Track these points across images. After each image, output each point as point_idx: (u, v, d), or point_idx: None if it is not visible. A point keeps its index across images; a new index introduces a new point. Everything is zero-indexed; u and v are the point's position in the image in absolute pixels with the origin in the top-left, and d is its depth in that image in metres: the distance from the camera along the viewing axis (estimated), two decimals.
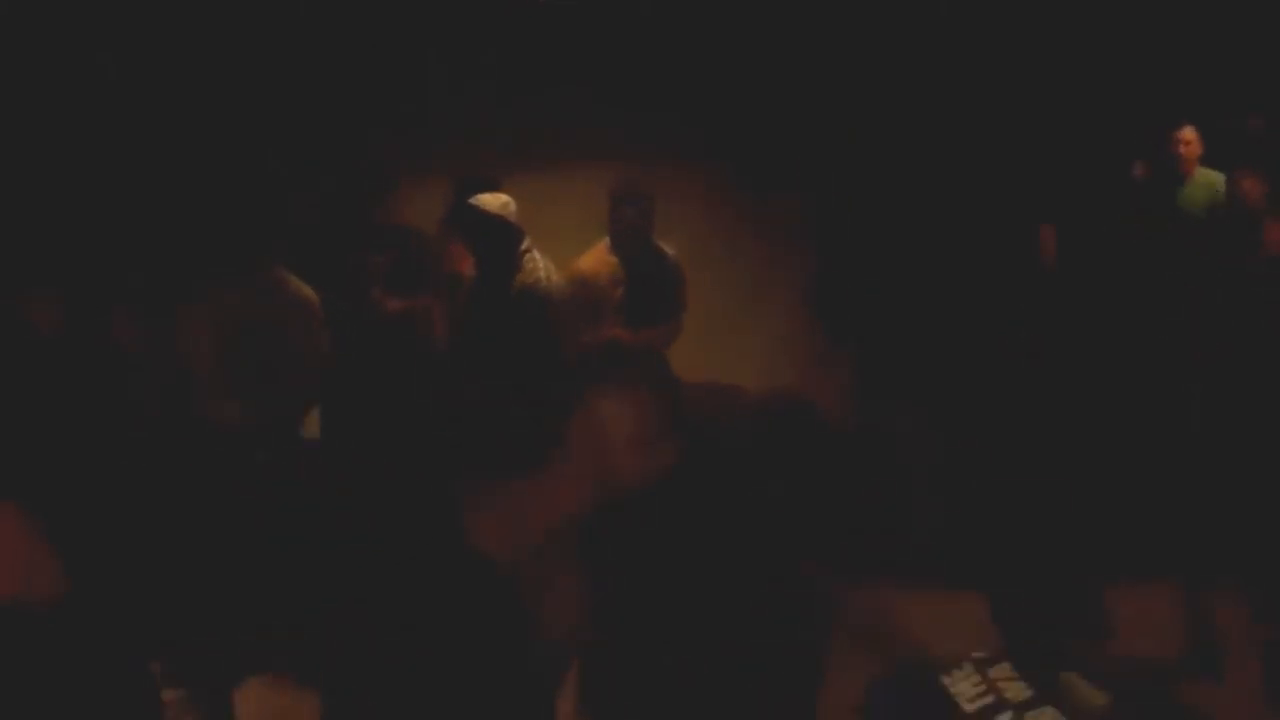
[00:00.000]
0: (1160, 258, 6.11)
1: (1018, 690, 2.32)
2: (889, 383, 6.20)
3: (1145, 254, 6.22)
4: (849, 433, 6.00)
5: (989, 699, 2.31)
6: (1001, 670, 2.37)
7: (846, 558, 5.62)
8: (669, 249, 5.80)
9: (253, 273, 4.83)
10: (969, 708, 2.31)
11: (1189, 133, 6.56)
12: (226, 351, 4.73)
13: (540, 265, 5.22)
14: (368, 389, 5.29)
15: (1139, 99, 6.72)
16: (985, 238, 6.41)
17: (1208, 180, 6.49)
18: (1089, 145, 6.65)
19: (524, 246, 5.20)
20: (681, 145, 6.95)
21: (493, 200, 5.17)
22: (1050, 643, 2.41)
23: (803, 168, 7.08)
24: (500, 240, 5.14)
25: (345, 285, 5.49)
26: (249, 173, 5.75)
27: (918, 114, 6.90)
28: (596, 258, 5.66)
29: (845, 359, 6.45)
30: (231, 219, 5.01)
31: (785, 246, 7.19)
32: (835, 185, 7.03)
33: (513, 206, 5.18)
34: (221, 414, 4.64)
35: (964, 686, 2.35)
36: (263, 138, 6.31)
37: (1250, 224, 4.78)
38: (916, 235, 6.61)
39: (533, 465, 1.66)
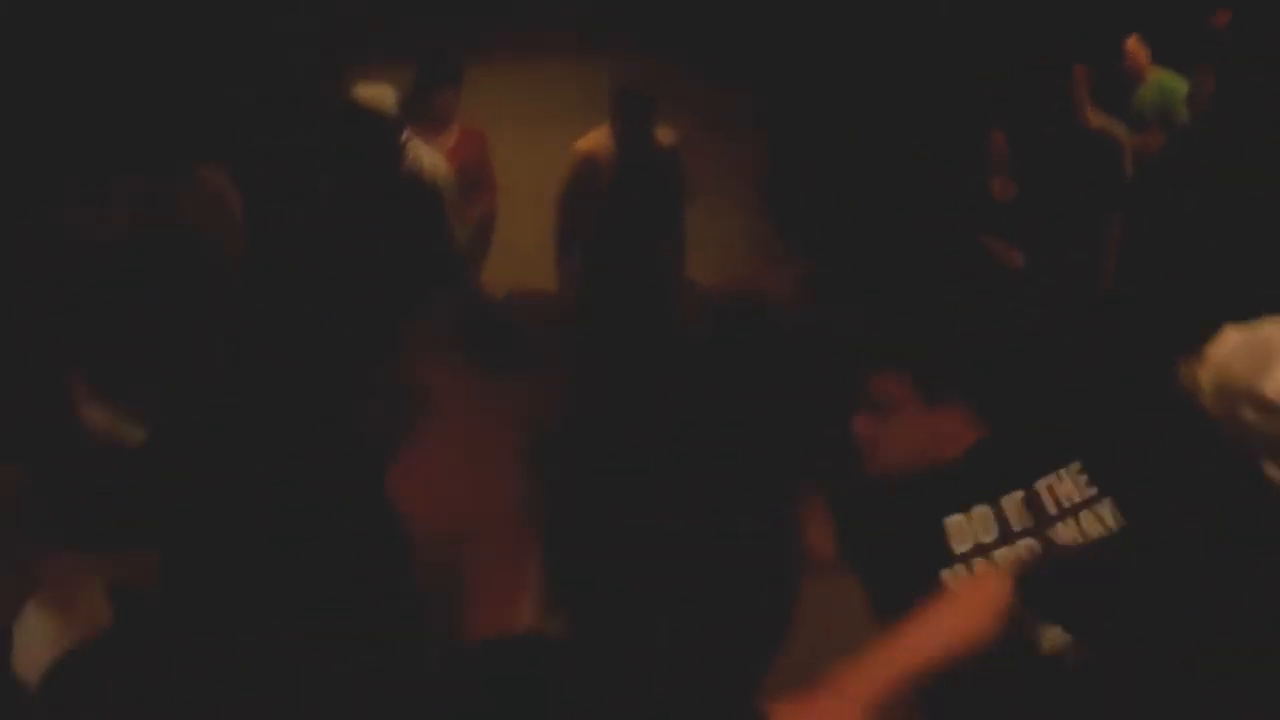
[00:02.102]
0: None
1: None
2: (844, 283, 6.22)
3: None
4: (804, 332, 6.04)
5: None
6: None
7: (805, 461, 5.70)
8: (665, 139, 5.84)
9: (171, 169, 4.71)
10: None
11: (1132, 43, 6.86)
12: None
13: (422, 154, 5.12)
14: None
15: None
16: (938, 141, 6.44)
17: (1159, 82, 6.72)
18: (1036, 49, 6.68)
19: (404, 137, 5.09)
20: (636, 39, 6.86)
21: (369, 91, 5.04)
22: None
23: (757, 62, 7.03)
24: (369, 133, 4.99)
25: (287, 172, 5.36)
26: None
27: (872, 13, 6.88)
28: (596, 139, 5.79)
29: (799, 259, 6.47)
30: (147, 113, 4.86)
31: (738, 142, 7.16)
32: (790, 81, 7.00)
33: (391, 99, 5.08)
34: None
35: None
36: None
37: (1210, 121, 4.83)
38: (873, 135, 6.62)
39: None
